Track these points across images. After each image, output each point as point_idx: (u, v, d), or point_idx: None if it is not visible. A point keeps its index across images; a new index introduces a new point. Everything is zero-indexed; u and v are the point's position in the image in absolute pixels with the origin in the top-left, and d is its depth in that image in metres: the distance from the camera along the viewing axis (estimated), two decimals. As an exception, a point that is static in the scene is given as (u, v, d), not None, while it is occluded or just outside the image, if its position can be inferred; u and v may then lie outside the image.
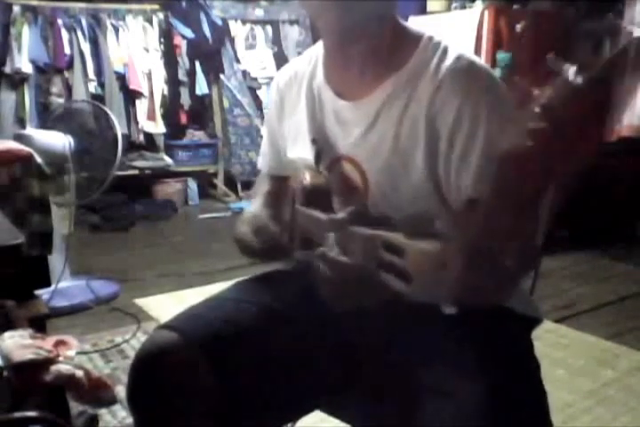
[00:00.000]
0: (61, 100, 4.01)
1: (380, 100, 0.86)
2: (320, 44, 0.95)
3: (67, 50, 4.07)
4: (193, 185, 4.64)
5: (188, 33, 4.46)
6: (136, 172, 4.30)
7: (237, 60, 4.76)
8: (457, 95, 0.81)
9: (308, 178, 0.86)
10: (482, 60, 0.87)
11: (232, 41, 4.74)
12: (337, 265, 0.68)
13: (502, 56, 2.98)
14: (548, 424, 0.77)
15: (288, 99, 1.00)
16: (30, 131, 2.65)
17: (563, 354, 2.09)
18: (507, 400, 0.74)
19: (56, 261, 2.33)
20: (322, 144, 0.92)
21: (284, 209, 0.89)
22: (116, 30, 4.25)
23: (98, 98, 4.00)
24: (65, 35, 4.06)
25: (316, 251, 0.73)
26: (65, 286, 2.47)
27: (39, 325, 1.33)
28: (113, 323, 2.38)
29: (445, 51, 0.85)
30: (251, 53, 4.83)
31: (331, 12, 0.80)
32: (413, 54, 0.85)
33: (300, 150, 0.95)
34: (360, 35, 0.84)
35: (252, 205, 1.02)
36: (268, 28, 4.89)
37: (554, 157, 0.51)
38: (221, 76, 4.68)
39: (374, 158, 0.87)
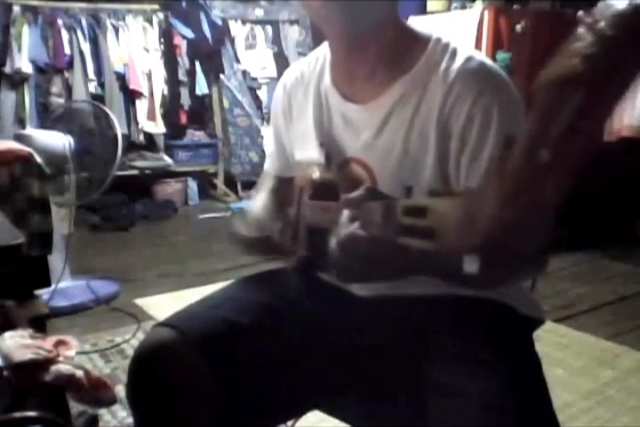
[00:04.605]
0: (61, 100, 4.01)
1: (389, 103, 0.86)
2: (326, 45, 0.95)
3: (67, 50, 4.07)
4: (193, 185, 4.64)
5: (188, 33, 4.46)
6: (136, 172, 4.30)
7: (237, 60, 4.76)
8: (468, 95, 0.81)
9: (317, 172, 0.86)
10: (490, 61, 0.87)
11: (232, 41, 4.74)
12: (359, 240, 0.68)
13: (502, 56, 2.98)
14: (554, 423, 0.77)
15: (295, 100, 0.99)
16: (30, 131, 2.65)
17: (563, 354, 2.09)
18: (514, 399, 0.74)
19: (56, 261, 2.33)
20: (330, 147, 0.92)
21: (287, 208, 0.89)
22: (116, 30, 4.25)
23: (98, 98, 4.00)
24: (65, 35, 4.06)
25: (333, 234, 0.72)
26: (65, 286, 2.47)
27: (39, 325, 1.32)
28: (113, 323, 2.38)
29: (454, 52, 0.84)
30: (251, 53, 4.83)
31: (336, 16, 0.80)
32: (422, 56, 0.85)
33: (309, 153, 0.95)
34: (367, 39, 0.84)
35: (255, 203, 1.02)
36: (268, 28, 4.89)
37: (601, 85, 0.50)
38: (221, 76, 4.68)
39: (384, 161, 0.87)
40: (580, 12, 0.51)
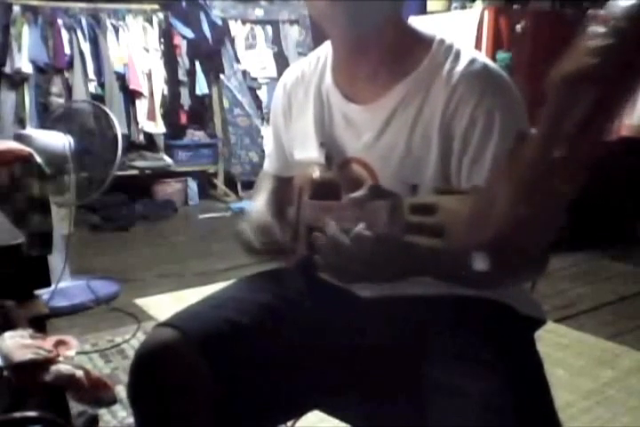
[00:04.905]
0: (61, 100, 4.00)
1: (392, 104, 0.86)
2: (327, 45, 0.95)
3: (67, 50, 4.06)
4: (193, 185, 4.64)
5: (188, 33, 4.46)
6: (136, 172, 4.29)
7: (237, 60, 4.76)
8: (471, 97, 0.81)
9: (317, 172, 0.86)
10: (492, 62, 0.87)
11: (232, 41, 4.74)
12: (364, 240, 0.68)
13: (502, 56, 2.98)
14: (556, 423, 0.77)
15: (295, 100, 0.99)
16: (30, 131, 2.65)
17: (563, 354, 2.09)
18: (515, 399, 0.74)
19: (56, 261, 2.33)
20: (330, 147, 0.92)
21: (287, 208, 0.89)
22: (116, 30, 4.25)
23: (98, 98, 4.00)
24: (65, 35, 4.06)
25: (339, 231, 0.72)
26: (65, 286, 2.47)
27: (39, 325, 1.32)
28: (113, 323, 2.38)
29: (458, 54, 0.85)
30: (251, 53, 4.83)
31: (340, 16, 0.80)
32: (425, 58, 0.85)
33: (309, 153, 0.95)
34: (370, 39, 0.84)
35: (255, 204, 1.02)
36: (268, 28, 4.89)
37: (614, 81, 0.49)
38: (221, 76, 4.68)
39: (386, 161, 0.87)
40: (591, 11, 0.51)
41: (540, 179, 0.53)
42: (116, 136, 2.50)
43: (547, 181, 0.53)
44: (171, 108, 4.49)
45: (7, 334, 1.02)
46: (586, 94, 0.50)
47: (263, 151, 4.65)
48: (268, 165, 1.09)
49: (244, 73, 4.81)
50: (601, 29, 0.49)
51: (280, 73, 4.34)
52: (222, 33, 4.61)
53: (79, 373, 0.98)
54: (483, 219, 0.55)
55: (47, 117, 3.12)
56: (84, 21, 4.13)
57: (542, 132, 0.53)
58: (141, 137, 4.41)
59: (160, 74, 4.41)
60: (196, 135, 4.75)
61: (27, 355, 0.95)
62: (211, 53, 4.57)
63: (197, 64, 4.54)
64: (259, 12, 4.84)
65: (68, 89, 4.09)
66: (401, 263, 0.69)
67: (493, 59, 2.95)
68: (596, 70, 0.49)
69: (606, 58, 0.49)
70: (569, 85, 0.51)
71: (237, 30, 4.77)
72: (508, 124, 0.80)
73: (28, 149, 1.82)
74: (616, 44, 0.49)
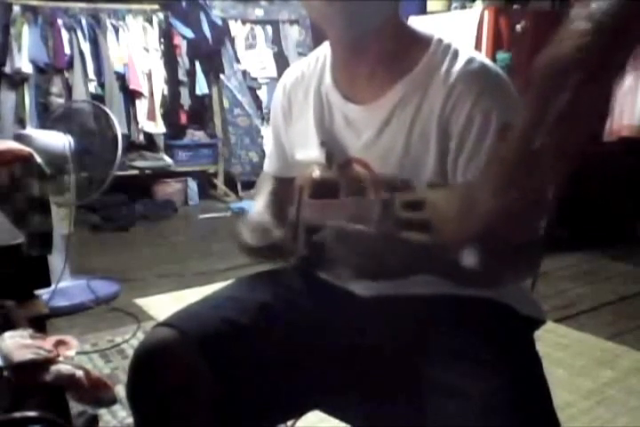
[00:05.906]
0: (61, 100, 4.00)
1: (390, 105, 0.86)
2: (326, 46, 0.95)
3: (67, 50, 4.06)
4: (193, 185, 4.64)
5: (188, 33, 4.46)
6: (136, 172, 4.30)
7: (237, 60, 4.76)
8: (469, 97, 0.81)
9: (317, 172, 0.86)
10: (491, 62, 0.87)
11: (232, 41, 4.74)
12: (357, 235, 0.68)
13: (502, 56, 2.98)
14: (555, 423, 0.77)
15: (295, 101, 0.99)
16: (30, 131, 2.65)
17: (563, 354, 2.09)
18: (514, 399, 0.74)
19: (56, 261, 2.33)
20: (331, 147, 0.92)
21: (287, 208, 0.90)
22: (116, 30, 4.25)
23: (98, 98, 4.00)
24: (65, 35, 4.06)
25: (331, 228, 0.73)
26: (65, 286, 2.46)
27: (39, 325, 1.32)
28: (113, 323, 2.38)
29: (456, 54, 0.85)
30: (251, 53, 4.83)
31: (337, 17, 0.80)
32: (423, 57, 0.85)
33: (310, 153, 0.95)
34: (368, 39, 0.84)
35: (256, 206, 1.02)
36: (268, 28, 4.89)
37: (596, 67, 0.49)
38: (221, 76, 4.68)
39: (385, 161, 0.87)
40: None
41: (524, 168, 0.53)
42: (116, 136, 2.50)
43: (530, 170, 0.53)
44: (171, 108, 4.49)
45: (7, 334, 1.01)
46: (568, 80, 0.50)
47: (263, 151, 4.65)
48: (268, 166, 1.09)
49: (244, 73, 4.81)
50: (581, 16, 0.49)
51: (280, 73, 4.34)
52: (222, 33, 4.61)
53: (79, 373, 0.98)
54: (469, 211, 0.56)
55: (47, 117, 3.12)
56: (84, 21, 4.13)
57: (526, 119, 0.53)
58: (141, 137, 4.41)
59: (160, 74, 4.41)
60: (195, 135, 4.75)
61: (27, 355, 0.95)
62: (211, 53, 4.57)
63: (197, 64, 4.54)
64: (259, 12, 4.84)
65: (68, 89, 4.08)
66: (397, 258, 0.70)
67: (493, 59, 2.95)
68: (577, 55, 0.49)
69: (588, 43, 0.49)
70: (551, 72, 0.51)
71: (237, 30, 4.77)
72: (504, 122, 0.80)
73: (27, 149, 1.82)
74: (597, 29, 0.49)
